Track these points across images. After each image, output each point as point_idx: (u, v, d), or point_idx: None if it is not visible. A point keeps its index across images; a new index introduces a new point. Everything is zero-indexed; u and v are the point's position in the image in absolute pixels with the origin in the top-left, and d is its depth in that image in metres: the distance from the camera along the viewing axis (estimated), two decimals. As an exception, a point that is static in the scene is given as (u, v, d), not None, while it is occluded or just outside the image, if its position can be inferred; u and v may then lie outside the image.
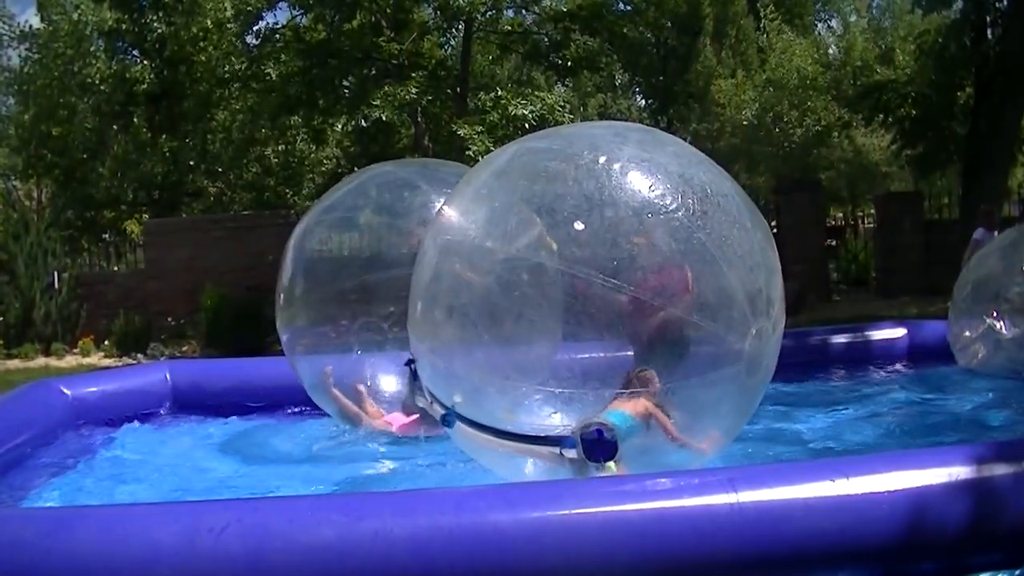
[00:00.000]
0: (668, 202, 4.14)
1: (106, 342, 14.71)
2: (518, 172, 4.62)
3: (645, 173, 4.21)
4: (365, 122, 17.87)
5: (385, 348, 6.29)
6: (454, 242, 4.55)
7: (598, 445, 4.06)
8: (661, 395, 4.31)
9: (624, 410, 4.32)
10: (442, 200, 5.02)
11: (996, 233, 10.64)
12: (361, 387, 6.29)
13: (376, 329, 6.27)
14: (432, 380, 4.63)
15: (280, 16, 23.64)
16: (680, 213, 4.13)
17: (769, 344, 4.36)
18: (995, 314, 7.18)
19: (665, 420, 4.33)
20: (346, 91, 17.97)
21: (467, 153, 15.45)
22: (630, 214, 4.18)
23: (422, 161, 10.17)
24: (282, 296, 6.49)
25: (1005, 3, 17.57)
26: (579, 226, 4.27)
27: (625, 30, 18.96)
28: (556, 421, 4.33)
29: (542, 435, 4.24)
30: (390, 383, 6.39)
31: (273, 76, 17.27)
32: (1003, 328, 7.12)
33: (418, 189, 6.25)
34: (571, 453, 4.13)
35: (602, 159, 4.23)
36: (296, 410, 7.01)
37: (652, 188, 4.17)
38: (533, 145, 4.73)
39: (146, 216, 20.50)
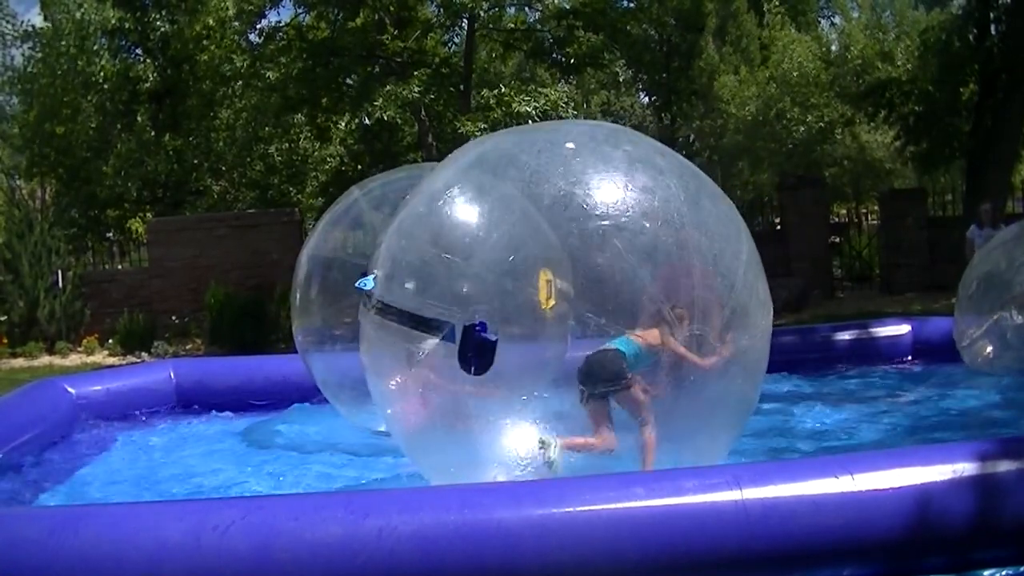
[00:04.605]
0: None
1: (110, 340, 14.70)
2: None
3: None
4: (368, 120, 17.82)
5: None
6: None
7: (476, 343, 3.96)
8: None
9: (631, 337, 4.27)
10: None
11: (986, 229, 10.59)
12: None
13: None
14: None
15: (283, 14, 23.63)
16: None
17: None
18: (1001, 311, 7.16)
19: (680, 349, 4.19)
20: (349, 89, 17.95)
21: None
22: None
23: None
24: (298, 294, 6.53)
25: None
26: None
27: (628, 27, 18.92)
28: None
29: (427, 317, 4.09)
30: None
31: (272, 78, 17.27)
32: (1011, 321, 7.10)
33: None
34: (449, 344, 4.03)
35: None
36: (298, 407, 7.03)
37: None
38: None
39: (150, 214, 20.49)
